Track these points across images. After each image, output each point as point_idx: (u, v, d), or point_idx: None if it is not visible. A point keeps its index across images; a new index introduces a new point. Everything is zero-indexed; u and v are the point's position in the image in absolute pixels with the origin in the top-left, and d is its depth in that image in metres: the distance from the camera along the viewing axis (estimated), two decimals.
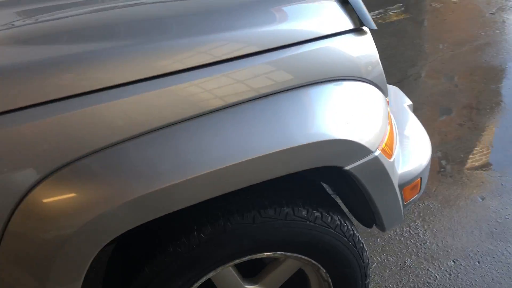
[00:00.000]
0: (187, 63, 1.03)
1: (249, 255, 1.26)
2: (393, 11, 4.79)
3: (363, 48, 1.23)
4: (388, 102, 1.40)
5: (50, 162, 0.94)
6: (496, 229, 2.10)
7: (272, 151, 1.05)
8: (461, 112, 2.95)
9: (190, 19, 1.10)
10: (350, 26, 1.22)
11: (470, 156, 2.56)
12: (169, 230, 1.20)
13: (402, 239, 2.12)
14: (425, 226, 2.17)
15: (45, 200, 0.95)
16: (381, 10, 4.83)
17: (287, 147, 1.07)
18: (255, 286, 1.38)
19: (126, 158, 0.99)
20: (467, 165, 2.49)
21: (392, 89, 1.74)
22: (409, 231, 2.16)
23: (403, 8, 4.83)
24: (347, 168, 1.19)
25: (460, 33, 4.05)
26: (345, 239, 1.33)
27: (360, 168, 1.20)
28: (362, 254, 1.41)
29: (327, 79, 1.18)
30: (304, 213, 1.24)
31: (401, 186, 1.37)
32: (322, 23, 1.20)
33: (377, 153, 1.21)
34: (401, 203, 1.41)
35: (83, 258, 1.02)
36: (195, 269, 1.20)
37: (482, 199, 2.27)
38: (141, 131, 0.99)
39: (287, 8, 1.22)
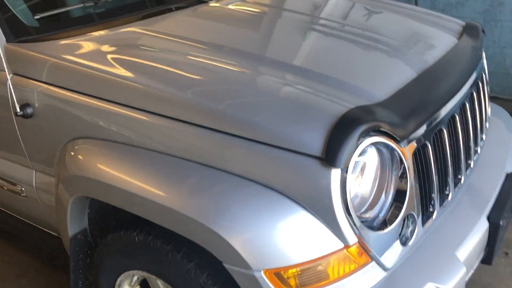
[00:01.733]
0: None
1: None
2: None
3: (314, 178, 1.24)
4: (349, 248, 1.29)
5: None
6: None
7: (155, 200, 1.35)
8: None
9: None
10: (311, 151, 1.24)
11: None
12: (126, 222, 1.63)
13: None
14: None
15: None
16: None
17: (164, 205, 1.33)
18: None
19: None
20: None
21: None
22: None
23: None
24: (224, 265, 1.28)
25: None
26: None
27: (237, 275, 1.27)
28: None
29: (259, 181, 1.29)
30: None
31: None
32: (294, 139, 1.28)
33: (257, 274, 1.24)
34: None
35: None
36: (128, 258, 1.60)
37: None
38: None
39: (284, 112, 1.36)
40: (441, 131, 1.55)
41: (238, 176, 1.31)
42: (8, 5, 1.81)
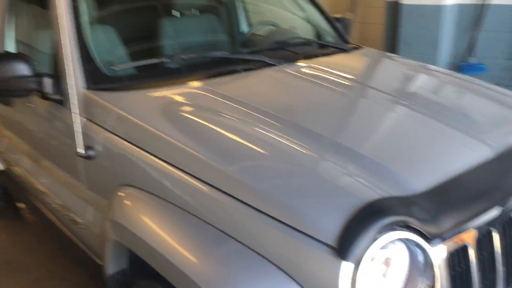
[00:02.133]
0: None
1: None
2: None
3: (324, 268, 1.19)
4: None
5: None
6: None
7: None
8: None
9: None
10: (325, 239, 1.20)
11: None
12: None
13: None
14: None
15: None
16: None
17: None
18: None
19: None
20: None
21: None
22: None
23: None
24: None
25: None
26: None
27: None
28: None
29: (276, 262, 1.27)
30: None
31: None
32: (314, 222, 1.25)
33: None
34: None
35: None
36: None
37: None
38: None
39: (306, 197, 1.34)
40: (489, 232, 1.40)
41: (262, 255, 1.29)
42: (91, 54, 2.00)
